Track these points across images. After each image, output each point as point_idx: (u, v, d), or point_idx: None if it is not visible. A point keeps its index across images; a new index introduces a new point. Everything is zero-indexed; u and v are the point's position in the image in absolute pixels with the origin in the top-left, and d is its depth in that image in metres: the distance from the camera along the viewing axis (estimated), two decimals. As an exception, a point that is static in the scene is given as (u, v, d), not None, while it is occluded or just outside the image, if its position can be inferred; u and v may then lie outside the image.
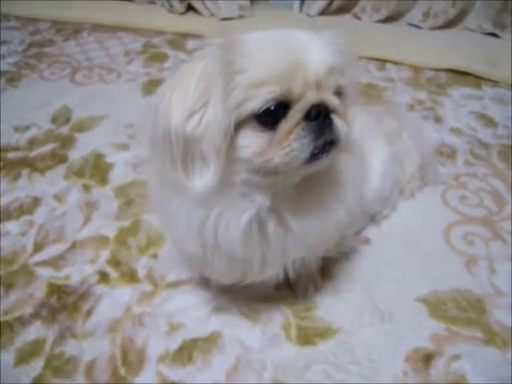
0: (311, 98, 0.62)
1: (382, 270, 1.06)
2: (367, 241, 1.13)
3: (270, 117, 0.62)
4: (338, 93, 0.67)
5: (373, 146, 1.06)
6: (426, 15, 2.07)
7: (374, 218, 1.15)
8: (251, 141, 0.63)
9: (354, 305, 0.99)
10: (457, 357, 0.90)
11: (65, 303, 0.99)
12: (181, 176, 0.65)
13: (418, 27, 2.10)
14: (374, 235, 1.14)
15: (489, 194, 1.25)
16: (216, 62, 0.61)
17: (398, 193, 1.21)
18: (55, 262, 1.07)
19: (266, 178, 0.67)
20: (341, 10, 2.18)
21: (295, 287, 1.01)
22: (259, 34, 0.66)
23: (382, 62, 1.84)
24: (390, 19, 2.13)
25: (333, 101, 0.64)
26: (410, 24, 2.12)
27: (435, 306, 0.99)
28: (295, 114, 0.62)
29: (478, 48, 1.94)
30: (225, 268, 0.80)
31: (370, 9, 2.13)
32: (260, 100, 0.60)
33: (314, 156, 0.63)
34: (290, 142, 0.62)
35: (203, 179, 0.64)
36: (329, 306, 0.99)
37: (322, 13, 2.16)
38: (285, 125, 0.62)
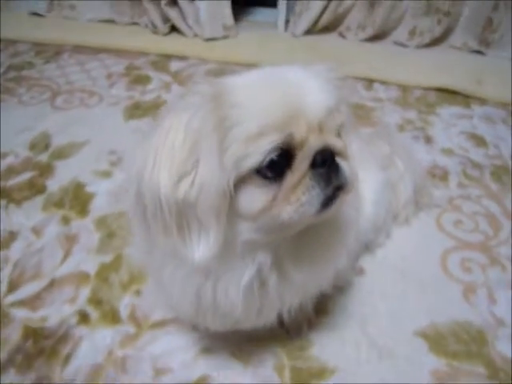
0: (315, 143, 0.57)
1: (377, 302, 1.01)
2: (361, 271, 1.08)
3: (274, 169, 0.56)
4: (339, 133, 0.63)
5: (365, 175, 1.02)
6: (412, 33, 2.06)
7: (367, 247, 1.11)
8: (255, 197, 0.57)
9: (350, 341, 0.94)
10: (458, 395, 0.86)
11: (41, 347, 0.92)
12: (178, 245, 0.58)
13: (404, 45, 2.10)
14: (368, 265, 1.09)
15: (484, 218, 1.22)
16: (207, 115, 0.54)
17: (392, 219, 1.17)
18: (32, 302, 1.00)
19: (270, 234, 0.61)
20: (326, 29, 2.17)
21: (288, 326, 0.95)
22: (250, 79, 0.62)
23: (370, 81, 1.82)
24: (375, 38, 2.12)
25: (337, 143, 0.60)
26: (396, 42, 2.12)
27: (435, 340, 0.94)
28: (301, 163, 0.57)
29: (464, 66, 1.94)
30: (218, 322, 0.75)
31: (355, 27, 2.11)
32: (261, 153, 0.54)
33: (325, 205, 0.58)
34: (299, 195, 0.57)
35: (203, 248, 0.57)
36: (324, 344, 0.93)
37: (308, 32, 2.15)
38: (291, 177, 0.57)
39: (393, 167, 1.17)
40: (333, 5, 2.07)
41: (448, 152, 1.46)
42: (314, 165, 0.57)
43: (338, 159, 0.59)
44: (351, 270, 1.02)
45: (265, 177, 0.56)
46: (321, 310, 0.99)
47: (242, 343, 0.93)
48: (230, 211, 0.57)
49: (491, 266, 1.09)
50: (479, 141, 1.52)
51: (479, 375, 0.89)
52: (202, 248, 0.57)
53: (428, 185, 1.27)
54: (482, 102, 1.72)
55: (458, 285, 1.05)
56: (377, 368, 0.89)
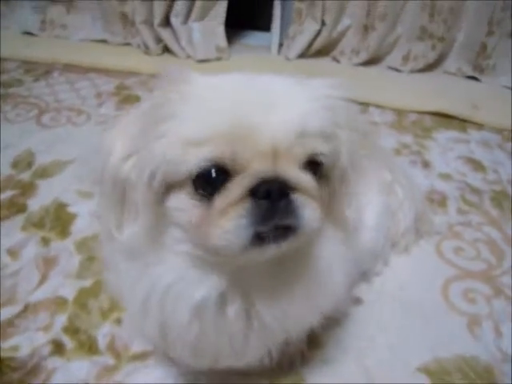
0: (259, 170, 0.49)
1: (375, 334, 0.94)
2: (358, 301, 1.01)
3: (209, 184, 0.50)
4: (314, 163, 0.54)
5: (364, 199, 0.97)
6: (406, 58, 2.06)
7: (364, 275, 1.04)
8: (185, 208, 0.52)
9: (345, 377, 0.87)
10: None
11: (8, 381, 0.84)
12: (112, 221, 0.56)
13: (398, 70, 2.08)
14: (365, 294, 1.03)
15: (485, 245, 1.17)
16: (154, 107, 0.53)
17: (391, 247, 1.11)
18: (3, 330, 0.93)
19: (206, 254, 0.54)
20: (320, 53, 2.16)
21: (280, 359, 0.87)
22: (222, 80, 0.56)
23: (365, 105, 1.79)
24: (369, 62, 2.11)
25: (297, 177, 0.50)
26: (390, 67, 2.11)
27: (439, 377, 0.88)
28: (235, 187, 0.49)
29: (459, 91, 1.93)
30: (189, 353, 0.67)
31: (349, 52, 2.11)
32: (196, 162, 0.49)
33: (258, 242, 0.49)
34: (225, 222, 0.49)
35: (130, 229, 0.55)
36: (318, 380, 0.86)
37: (301, 56, 2.13)
38: (223, 199, 0.49)
39: (393, 195, 1.12)
40: (326, 29, 2.07)
41: (446, 177, 1.42)
42: (254, 194, 0.48)
43: (297, 197, 0.50)
44: (347, 300, 0.95)
45: (198, 190, 0.51)
46: (314, 342, 0.92)
47: (227, 379, 0.85)
48: (162, 211, 0.55)
49: (495, 297, 1.04)
50: (477, 165, 1.48)
51: (487, 415, 0.82)
52: (129, 229, 0.55)
53: (428, 212, 1.22)
54: (479, 126, 1.70)
55: (462, 317, 0.99)
56: (376, 407, 0.82)
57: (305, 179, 0.51)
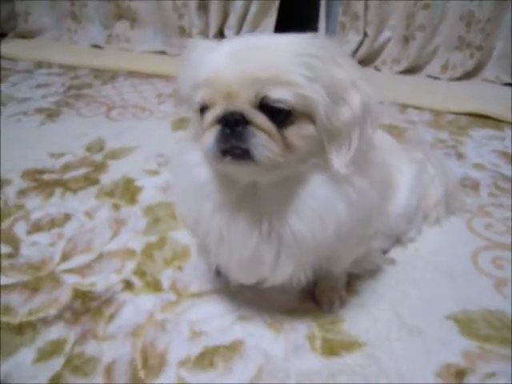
0: (223, 106, 0.66)
1: (408, 288, 1.04)
2: (392, 261, 1.11)
3: (203, 111, 0.70)
4: (274, 108, 0.65)
5: (399, 165, 1.08)
6: (445, 67, 2.17)
7: (399, 240, 1.15)
8: (196, 122, 0.75)
9: (380, 320, 0.96)
10: (491, 375, 0.86)
11: (88, 307, 0.99)
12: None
13: (437, 79, 2.19)
14: (399, 256, 1.13)
15: (516, 223, 1.24)
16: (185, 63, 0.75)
17: (424, 218, 1.21)
18: (81, 271, 1.08)
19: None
20: (362, 63, 2.30)
21: (320, 300, 0.99)
22: (229, 41, 0.72)
23: (403, 106, 1.91)
24: (409, 71, 2.23)
25: (250, 113, 0.64)
26: (429, 76, 2.22)
27: (466, 324, 0.96)
28: (208, 116, 0.68)
29: (495, 95, 2.02)
30: (229, 258, 0.83)
31: (390, 61, 2.24)
32: (195, 98, 0.70)
33: (223, 156, 0.67)
34: (205, 137, 0.68)
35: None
36: (354, 320, 0.96)
37: (345, 65, 2.28)
38: (204, 122, 0.69)
39: (425, 172, 1.23)
40: (368, 40, 2.21)
41: (479, 167, 1.50)
42: (222, 122, 0.66)
43: (253, 130, 0.64)
44: (379, 253, 1.06)
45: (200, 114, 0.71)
46: (352, 290, 1.02)
47: (275, 313, 0.97)
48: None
49: (523, 264, 1.11)
50: (511, 159, 1.55)
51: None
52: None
53: (459, 191, 1.31)
54: (514, 125, 1.77)
55: (490, 279, 1.07)
56: (406, 345, 0.91)
57: (257, 116, 0.65)
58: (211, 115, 0.67)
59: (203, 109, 0.70)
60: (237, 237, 0.77)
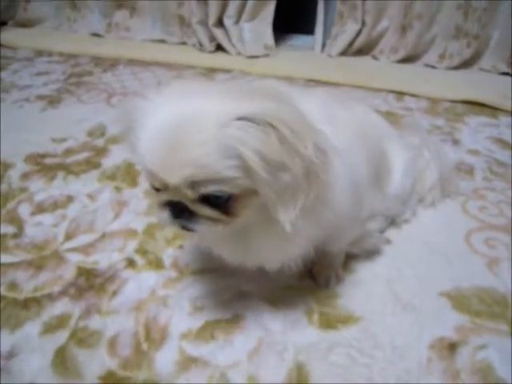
0: (166, 196, 0.67)
1: (403, 267, 1.07)
2: (388, 241, 1.14)
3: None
4: (212, 197, 0.65)
5: (394, 150, 1.11)
6: (442, 56, 2.19)
7: (394, 221, 1.18)
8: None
9: (375, 296, 0.99)
10: (483, 346, 0.89)
11: (92, 284, 1.01)
12: None
13: (435, 68, 2.22)
14: (394, 237, 1.15)
15: (508, 206, 1.27)
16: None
17: (419, 201, 1.24)
18: (85, 250, 1.11)
19: None
20: (360, 52, 2.32)
21: (317, 277, 1.02)
22: (160, 111, 0.65)
23: (400, 94, 1.93)
24: (407, 60, 2.25)
25: (192, 206, 0.67)
26: (427, 65, 2.24)
27: (458, 300, 0.99)
28: (158, 198, 0.70)
29: (492, 85, 2.03)
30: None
31: (388, 50, 2.26)
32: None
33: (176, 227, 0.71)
34: (158, 209, 0.71)
35: None
36: (350, 296, 0.99)
37: (343, 54, 2.30)
38: (154, 199, 0.72)
39: (420, 157, 1.26)
40: (366, 29, 2.23)
41: (474, 152, 1.53)
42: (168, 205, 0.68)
43: (195, 214, 0.67)
44: (377, 233, 1.09)
45: None
46: (348, 268, 1.05)
47: (274, 290, 1.00)
48: None
49: (515, 245, 1.14)
50: (505, 145, 1.58)
51: (502, 332, 0.92)
52: None
53: (454, 175, 1.34)
54: (510, 114, 1.80)
55: (483, 258, 1.10)
56: (401, 320, 0.94)
57: (198, 208, 0.67)
58: (158, 199, 0.70)
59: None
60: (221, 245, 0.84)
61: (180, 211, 0.68)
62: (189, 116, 0.63)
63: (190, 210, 0.67)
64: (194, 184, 0.63)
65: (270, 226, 0.72)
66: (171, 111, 0.64)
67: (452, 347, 0.89)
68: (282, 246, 0.78)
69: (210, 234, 0.73)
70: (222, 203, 0.67)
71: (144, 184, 1.34)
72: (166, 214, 0.69)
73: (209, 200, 0.66)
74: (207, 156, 0.60)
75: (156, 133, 0.63)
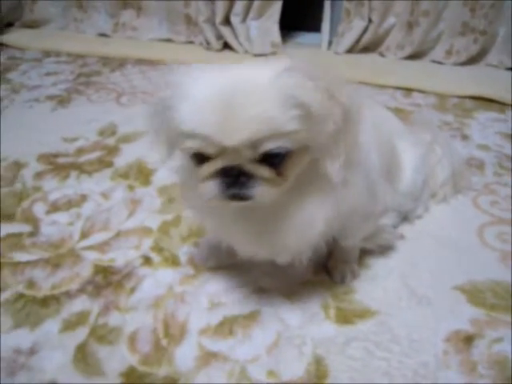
0: (223, 162, 0.66)
1: (417, 261, 1.08)
2: (402, 236, 1.15)
3: (197, 159, 0.69)
4: (270, 155, 0.66)
5: (405, 146, 1.12)
6: (449, 52, 2.19)
7: (407, 217, 1.19)
8: (190, 165, 0.74)
9: (391, 290, 1.00)
10: (499, 339, 0.90)
11: (109, 281, 1.02)
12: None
13: (442, 64, 2.22)
14: (408, 232, 1.16)
15: (520, 201, 1.28)
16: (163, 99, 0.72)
17: (431, 196, 1.25)
18: (101, 248, 1.12)
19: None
20: (367, 49, 2.33)
21: (333, 273, 1.03)
22: (205, 80, 0.67)
23: (408, 90, 1.94)
24: (414, 57, 2.26)
25: (250, 169, 0.66)
26: (434, 61, 2.24)
27: (473, 294, 0.99)
28: (207, 168, 0.68)
29: (499, 80, 2.05)
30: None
31: (394, 47, 2.26)
32: (185, 149, 0.69)
33: (227, 200, 0.70)
34: (203, 185, 0.69)
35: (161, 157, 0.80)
36: (366, 291, 1.00)
37: (350, 51, 2.31)
38: (202, 171, 0.69)
39: (432, 153, 1.27)
40: (373, 26, 2.24)
41: (484, 147, 1.54)
42: (220, 173, 0.67)
43: (252, 179, 0.67)
44: (390, 228, 1.09)
45: (193, 160, 0.71)
46: (363, 263, 1.06)
47: (290, 285, 1.01)
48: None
49: (527, 240, 1.15)
50: (516, 140, 1.59)
51: (518, 326, 0.93)
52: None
53: (466, 170, 1.35)
54: (518, 109, 1.81)
55: (495, 252, 1.10)
56: (416, 314, 0.95)
57: (257, 169, 0.66)
58: (209, 168, 0.68)
59: (197, 156, 0.69)
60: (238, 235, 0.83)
61: (233, 179, 0.67)
62: (239, 80, 0.65)
63: (246, 173, 0.66)
64: (255, 143, 0.63)
65: (305, 196, 0.75)
66: (217, 80, 0.66)
67: (468, 340, 0.90)
68: (307, 224, 0.77)
69: (265, 198, 0.69)
70: (276, 163, 0.67)
71: (157, 182, 1.35)
72: (215, 185, 0.68)
73: (265, 161, 0.66)
74: (270, 110, 0.62)
75: (208, 100, 0.64)
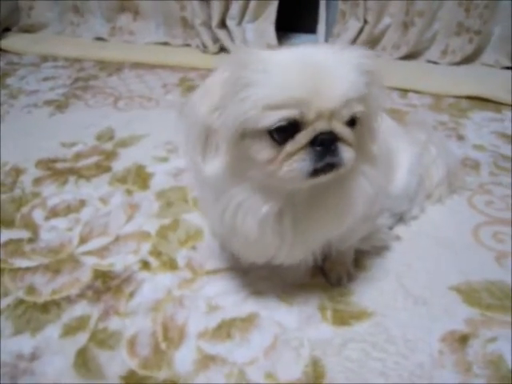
0: (321, 126, 0.67)
1: (413, 262, 1.09)
2: (397, 237, 1.16)
3: (281, 134, 0.68)
4: (352, 120, 0.71)
5: (400, 146, 1.13)
6: (444, 52, 2.21)
7: (402, 218, 1.20)
8: (262, 150, 0.71)
9: (387, 291, 1.01)
10: (494, 339, 0.91)
11: (109, 286, 1.03)
12: (198, 158, 0.75)
13: (437, 63, 2.23)
14: (403, 233, 1.18)
15: (515, 200, 1.29)
16: (232, 74, 0.69)
17: (426, 197, 1.26)
18: (100, 253, 1.13)
19: (274, 182, 0.74)
20: (363, 50, 2.33)
21: (329, 275, 1.04)
22: (283, 55, 0.72)
23: (404, 91, 1.95)
24: (409, 57, 2.27)
25: (342, 131, 0.69)
26: (429, 61, 2.26)
27: (468, 294, 1.01)
28: (302, 138, 0.68)
29: (495, 79, 2.06)
30: (242, 247, 0.90)
31: (390, 48, 2.28)
32: (274, 119, 0.66)
33: (314, 174, 0.70)
34: (292, 162, 0.69)
35: (213, 165, 0.73)
36: (362, 293, 1.01)
37: (345, 52, 2.31)
38: (291, 146, 0.68)
39: (427, 153, 1.28)
40: (368, 27, 2.25)
41: (479, 148, 1.55)
42: (313, 142, 0.68)
43: (340, 143, 0.69)
44: (386, 229, 1.11)
45: (273, 138, 0.69)
46: (359, 265, 1.08)
47: (287, 288, 1.02)
48: (244, 149, 0.72)
49: (523, 239, 1.16)
50: (509, 139, 1.60)
51: (513, 325, 0.94)
52: (212, 164, 0.73)
53: (461, 171, 1.36)
54: (513, 108, 1.82)
55: (491, 252, 1.12)
56: (412, 314, 0.96)
57: (347, 132, 0.70)
58: (302, 138, 0.68)
59: (281, 132, 0.68)
60: (277, 234, 0.82)
61: (324, 149, 0.68)
62: (314, 52, 0.72)
63: (334, 140, 0.69)
64: (347, 103, 0.67)
65: (346, 179, 0.79)
66: (295, 53, 0.72)
67: (463, 340, 0.91)
68: (350, 208, 0.81)
69: (351, 163, 0.72)
70: (351, 128, 0.72)
71: (155, 186, 1.36)
72: (308, 157, 0.68)
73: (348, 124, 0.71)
74: (351, 74, 0.68)
75: (297, 68, 0.68)
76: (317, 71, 0.67)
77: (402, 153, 1.12)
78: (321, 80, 0.66)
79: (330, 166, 0.70)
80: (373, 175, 0.83)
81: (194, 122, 0.74)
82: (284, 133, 0.68)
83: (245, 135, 0.70)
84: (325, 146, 0.68)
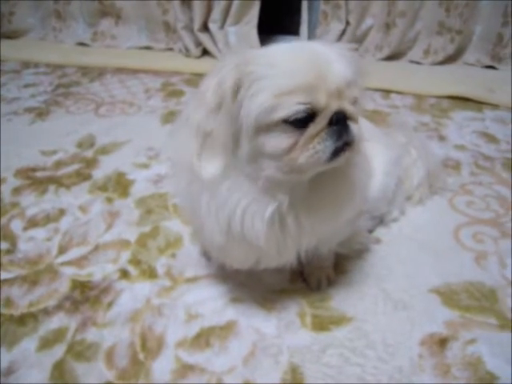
0: (334, 106, 0.70)
1: (393, 265, 1.09)
2: (378, 240, 1.16)
3: (298, 121, 0.69)
4: (354, 102, 0.75)
5: (376, 149, 1.13)
6: (427, 52, 2.22)
7: (382, 221, 1.20)
8: (279, 141, 0.71)
9: (367, 296, 1.01)
10: (473, 341, 0.91)
11: (87, 296, 1.02)
12: (197, 161, 0.75)
13: (420, 64, 2.24)
14: (384, 236, 1.18)
15: (495, 200, 1.29)
16: (228, 74, 0.70)
17: (407, 199, 1.26)
18: (78, 262, 1.12)
19: (288, 174, 0.74)
20: (346, 51, 2.34)
21: (309, 280, 1.04)
22: (279, 48, 0.75)
23: (387, 92, 1.96)
24: (392, 57, 2.27)
25: (351, 109, 0.72)
26: (412, 61, 2.26)
27: (448, 296, 1.01)
28: (321, 120, 0.70)
29: (476, 78, 2.07)
30: (243, 255, 0.88)
31: (373, 49, 2.28)
32: (290, 109, 0.68)
33: (334, 155, 0.72)
34: (315, 144, 0.70)
35: (210, 168, 0.74)
36: (342, 298, 1.01)
37: (328, 53, 2.32)
38: (311, 130, 0.70)
39: (407, 155, 1.28)
40: (351, 28, 2.25)
41: (460, 147, 1.56)
42: (330, 123, 0.70)
43: (350, 122, 0.72)
44: (365, 232, 1.11)
45: (290, 126, 0.70)
46: (339, 269, 1.07)
47: (267, 294, 1.02)
48: (256, 149, 0.73)
49: (502, 239, 1.16)
50: (491, 138, 1.61)
51: (491, 325, 0.94)
52: (210, 167, 0.74)
53: (441, 172, 1.36)
54: (494, 107, 1.83)
55: (471, 253, 1.12)
56: (392, 319, 0.96)
57: (355, 111, 0.73)
58: (324, 117, 0.70)
59: (299, 116, 0.69)
60: (282, 235, 0.82)
61: (341, 127, 0.71)
62: (310, 45, 0.77)
63: (347, 117, 0.71)
64: (349, 84, 0.71)
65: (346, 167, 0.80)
66: (294, 47, 0.76)
67: (442, 342, 0.91)
68: (347, 192, 0.83)
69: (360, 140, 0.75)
70: None
71: (135, 194, 1.35)
72: (330, 137, 0.70)
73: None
74: (346, 62, 0.72)
75: (302, 58, 0.71)
76: (318, 59, 0.71)
77: (378, 157, 1.11)
78: (323, 66, 0.70)
79: (347, 145, 0.73)
80: (363, 163, 0.87)
81: (194, 123, 0.74)
82: (302, 119, 0.70)
83: (260, 130, 0.71)
84: (340, 124, 0.71)
